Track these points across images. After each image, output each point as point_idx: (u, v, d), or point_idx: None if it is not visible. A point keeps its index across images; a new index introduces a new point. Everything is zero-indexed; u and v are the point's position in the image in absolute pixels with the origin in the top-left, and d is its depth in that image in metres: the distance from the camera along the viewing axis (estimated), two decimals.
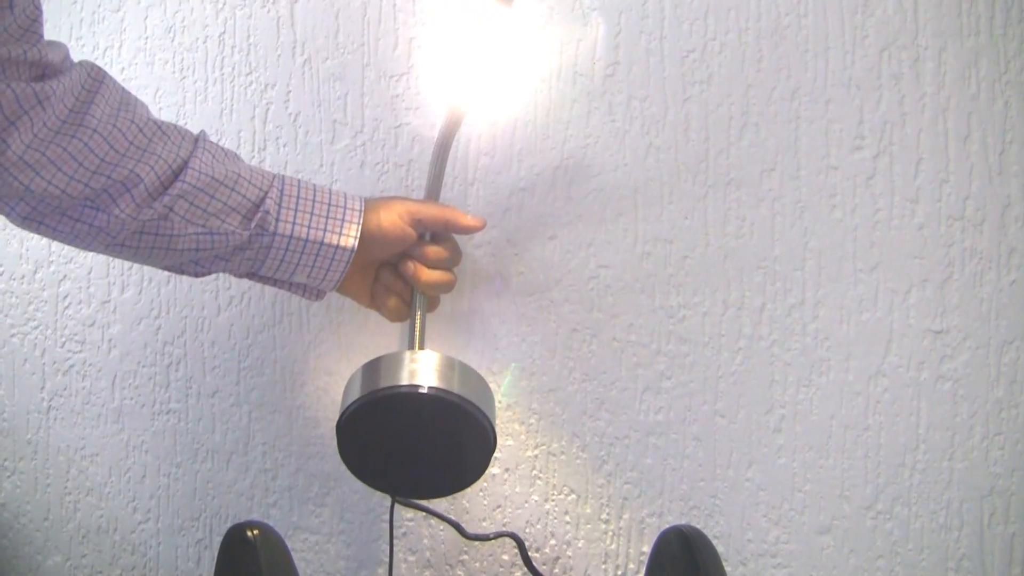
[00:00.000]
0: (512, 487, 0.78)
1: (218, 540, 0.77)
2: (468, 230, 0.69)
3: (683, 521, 0.75)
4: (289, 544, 0.73)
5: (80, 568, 0.85)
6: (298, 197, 0.63)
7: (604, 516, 0.77)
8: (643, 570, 0.70)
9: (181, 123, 0.78)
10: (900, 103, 0.71)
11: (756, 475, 0.74)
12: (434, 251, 0.68)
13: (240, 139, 0.79)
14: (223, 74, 0.79)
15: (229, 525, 0.74)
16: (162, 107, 0.79)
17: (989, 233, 0.71)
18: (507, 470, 0.78)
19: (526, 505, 0.78)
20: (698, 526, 0.74)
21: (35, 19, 0.53)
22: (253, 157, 0.78)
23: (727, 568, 0.69)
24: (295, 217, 0.62)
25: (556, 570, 0.77)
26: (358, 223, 0.64)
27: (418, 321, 0.68)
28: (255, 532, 0.71)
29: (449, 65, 0.75)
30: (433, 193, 0.69)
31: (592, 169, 0.75)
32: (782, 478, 0.74)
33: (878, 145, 0.72)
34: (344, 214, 0.64)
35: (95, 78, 0.58)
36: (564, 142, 0.75)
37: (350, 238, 0.63)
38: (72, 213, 0.57)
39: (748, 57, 0.73)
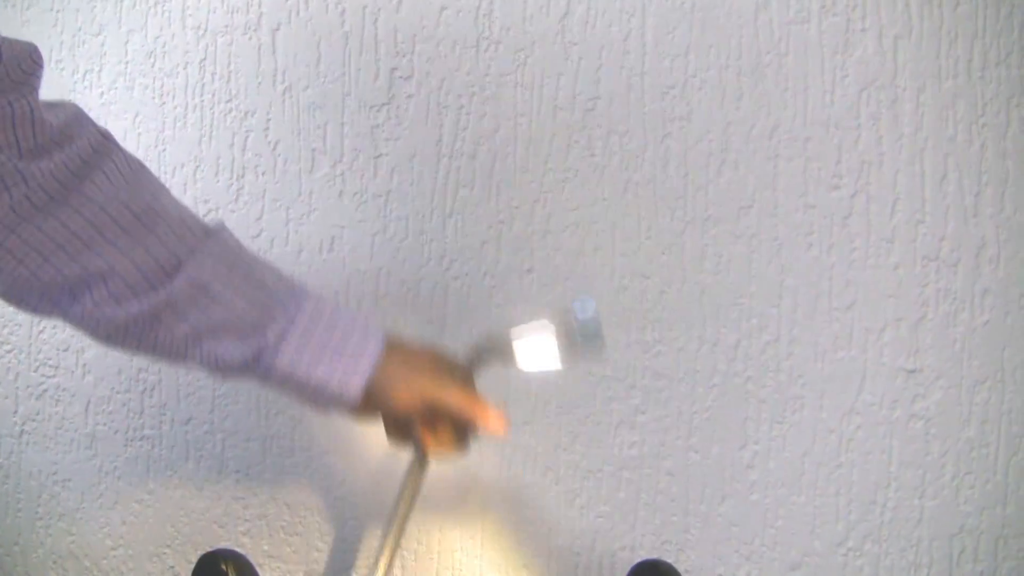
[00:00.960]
0: (487, 526, 0.78)
1: (190, 567, 0.76)
2: (489, 433, 0.61)
3: (655, 555, 0.75)
4: (260, 572, 0.73)
5: None
6: (305, 333, 0.55)
7: (576, 549, 0.77)
8: None
9: (159, 149, 0.78)
10: (878, 143, 0.72)
11: (728, 511, 0.75)
12: (446, 432, 0.61)
13: (219, 166, 0.79)
14: (203, 101, 0.79)
15: (201, 553, 0.74)
16: (141, 132, 0.79)
17: (963, 274, 0.72)
18: (480, 508, 0.78)
19: (499, 539, 0.78)
20: (670, 560, 0.74)
21: (31, 73, 0.50)
22: (232, 185, 0.78)
23: None
24: (297, 354, 0.55)
25: None
26: (367, 374, 0.56)
27: (386, 554, 0.60)
28: (227, 561, 0.71)
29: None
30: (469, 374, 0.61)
31: (570, 203, 0.75)
32: (754, 514, 0.74)
33: (855, 184, 0.72)
34: (356, 364, 0.56)
35: (100, 151, 0.53)
36: (543, 175, 0.75)
37: (353, 389, 0.56)
38: (51, 296, 0.53)
39: (728, 94, 0.73)
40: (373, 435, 0.79)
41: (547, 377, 0.76)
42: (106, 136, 0.54)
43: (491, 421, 0.59)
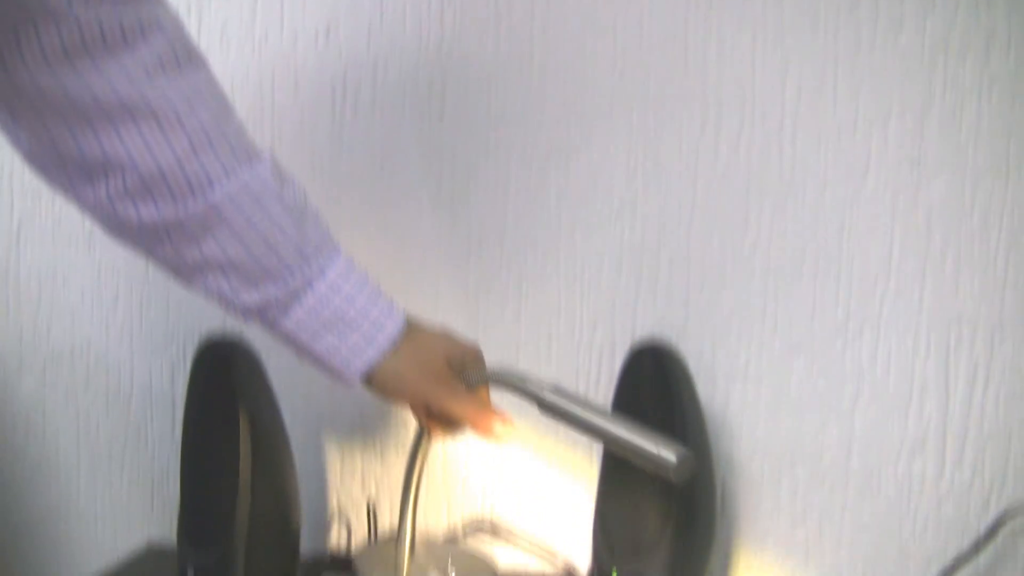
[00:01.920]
0: (487, 311, 0.78)
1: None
2: (490, 441, 0.59)
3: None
4: (263, 361, 0.72)
5: (55, 390, 0.85)
6: (320, 300, 0.54)
7: (576, 334, 0.77)
8: (614, 385, 0.70)
9: None
10: None
11: (729, 297, 0.75)
12: (447, 421, 0.60)
13: None
14: None
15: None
16: None
17: (972, 63, 0.70)
18: (479, 295, 0.78)
19: (500, 324, 0.78)
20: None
21: None
22: None
23: (696, 386, 0.70)
24: (306, 319, 0.54)
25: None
26: (371, 361, 0.55)
27: (409, 520, 0.61)
28: (229, 347, 0.71)
29: None
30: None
31: None
32: (754, 301, 0.74)
33: None
34: (364, 347, 0.55)
35: (158, 28, 0.48)
36: None
37: (354, 371, 0.56)
38: (67, 171, 0.50)
39: None
40: None
41: (547, 166, 0.75)
42: (176, 22, 0.51)
43: (494, 432, 0.58)
